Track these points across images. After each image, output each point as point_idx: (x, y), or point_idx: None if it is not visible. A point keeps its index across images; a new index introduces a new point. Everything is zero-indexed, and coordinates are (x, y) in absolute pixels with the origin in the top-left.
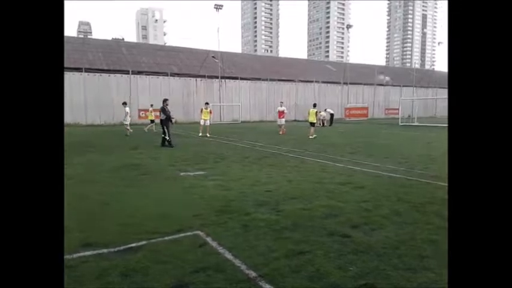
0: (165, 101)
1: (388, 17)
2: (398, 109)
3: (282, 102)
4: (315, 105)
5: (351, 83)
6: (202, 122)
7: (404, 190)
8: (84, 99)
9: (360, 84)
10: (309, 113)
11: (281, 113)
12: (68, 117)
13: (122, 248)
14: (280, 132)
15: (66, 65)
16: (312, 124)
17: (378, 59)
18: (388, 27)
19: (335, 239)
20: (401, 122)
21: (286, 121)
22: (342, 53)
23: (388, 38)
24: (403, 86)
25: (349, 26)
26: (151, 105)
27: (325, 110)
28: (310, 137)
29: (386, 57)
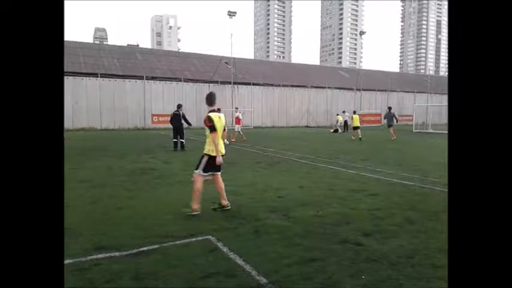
0: (180, 106)
1: (402, 23)
2: (412, 116)
3: (237, 108)
4: (355, 112)
5: (364, 89)
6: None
7: (418, 198)
8: (100, 103)
9: (373, 90)
10: (353, 119)
11: (237, 120)
12: (84, 122)
13: (133, 251)
14: (233, 140)
15: (82, 70)
16: (356, 128)
17: (392, 65)
18: (402, 33)
19: (347, 247)
20: (415, 129)
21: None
22: (355, 59)
23: (402, 44)
24: (417, 92)
25: (362, 33)
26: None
27: (343, 112)
28: (353, 137)
29: (400, 63)
